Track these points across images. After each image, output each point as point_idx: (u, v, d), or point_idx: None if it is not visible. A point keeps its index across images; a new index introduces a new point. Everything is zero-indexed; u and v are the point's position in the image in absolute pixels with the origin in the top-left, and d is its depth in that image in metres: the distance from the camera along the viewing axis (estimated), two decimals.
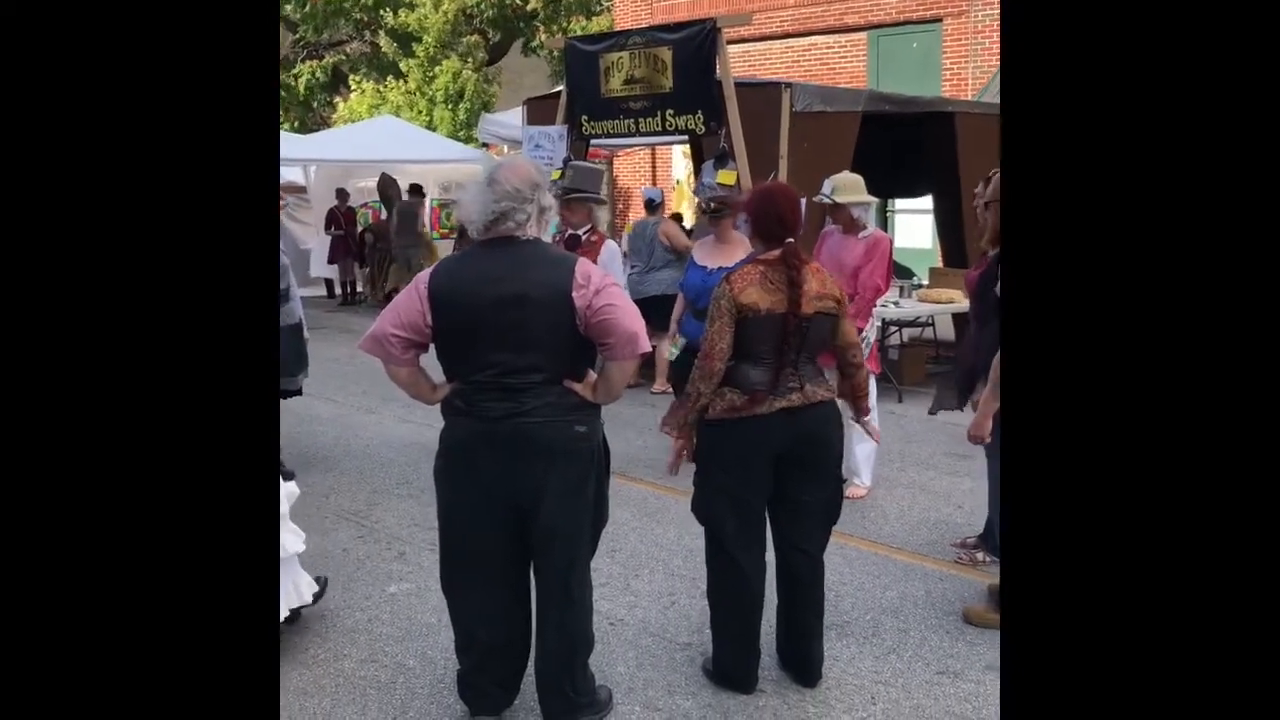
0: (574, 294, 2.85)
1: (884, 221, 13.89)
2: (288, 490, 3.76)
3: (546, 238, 3.05)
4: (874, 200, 5.55)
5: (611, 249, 5.98)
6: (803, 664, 3.49)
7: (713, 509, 3.37)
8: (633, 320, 2.88)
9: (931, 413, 4.54)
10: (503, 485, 2.95)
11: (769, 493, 3.36)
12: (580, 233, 5.94)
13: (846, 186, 5.39)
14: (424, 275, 3.01)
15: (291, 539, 3.71)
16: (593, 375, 3.00)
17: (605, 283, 2.89)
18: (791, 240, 3.30)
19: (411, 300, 2.96)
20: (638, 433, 6.92)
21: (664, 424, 3.44)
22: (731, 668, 3.42)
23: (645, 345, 2.90)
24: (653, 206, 8.74)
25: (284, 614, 3.61)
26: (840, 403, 3.53)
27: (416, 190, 13.54)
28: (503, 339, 2.88)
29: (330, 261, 14.30)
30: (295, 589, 3.75)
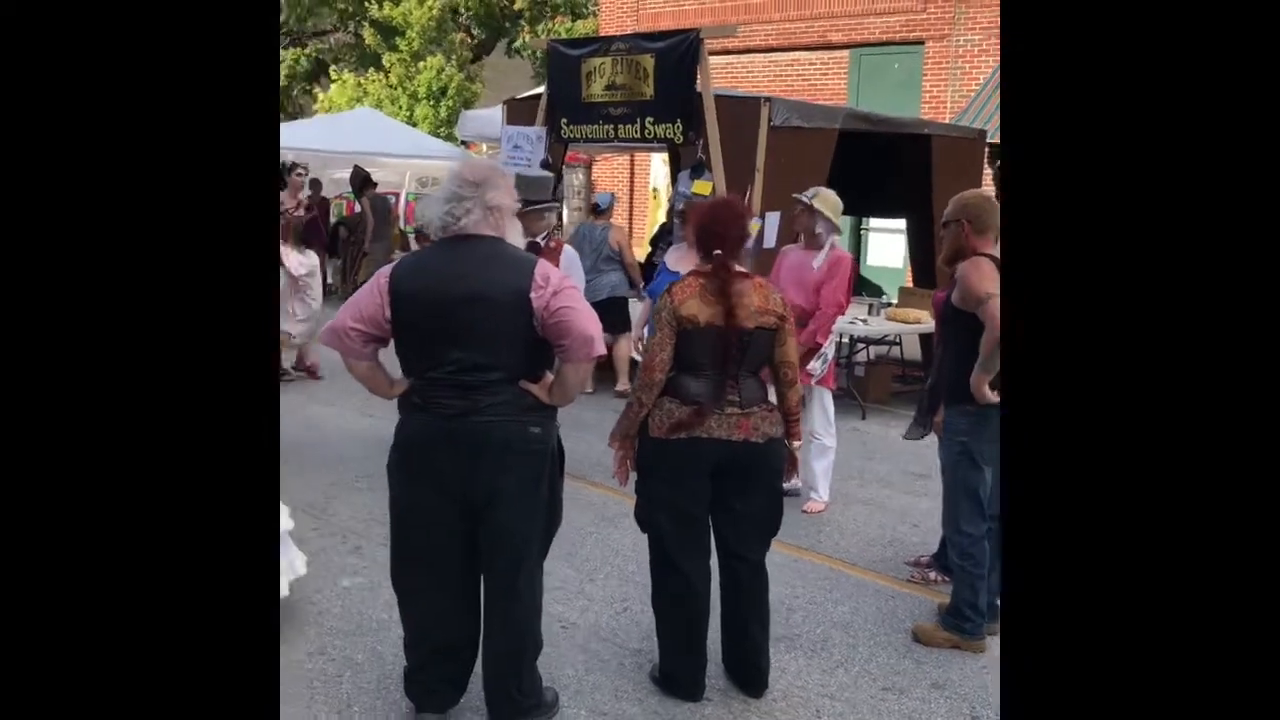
0: (532, 294, 2.86)
1: (856, 240, 13.98)
2: None
3: (514, 239, 3.05)
4: (839, 228, 5.62)
5: (570, 254, 5.90)
6: (749, 673, 3.50)
7: (654, 518, 3.40)
8: (589, 322, 2.89)
9: (906, 437, 4.56)
10: (456, 482, 2.95)
11: (709, 501, 3.38)
12: (540, 239, 5.89)
13: (827, 200, 5.44)
14: (386, 270, 3.01)
15: (282, 518, 3.78)
16: (549, 377, 3.00)
17: (564, 284, 2.90)
18: (719, 252, 3.29)
19: (372, 295, 2.96)
20: (600, 437, 6.88)
21: (610, 437, 3.46)
22: (677, 674, 3.43)
23: (601, 348, 2.92)
24: (598, 211, 8.81)
25: (284, 590, 3.71)
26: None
27: (369, 183, 13.39)
28: (460, 336, 2.88)
29: None
30: (290, 565, 3.82)
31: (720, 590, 3.50)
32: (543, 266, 2.93)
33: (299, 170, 8.61)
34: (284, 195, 6.24)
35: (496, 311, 2.87)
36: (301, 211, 8.55)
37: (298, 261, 8.10)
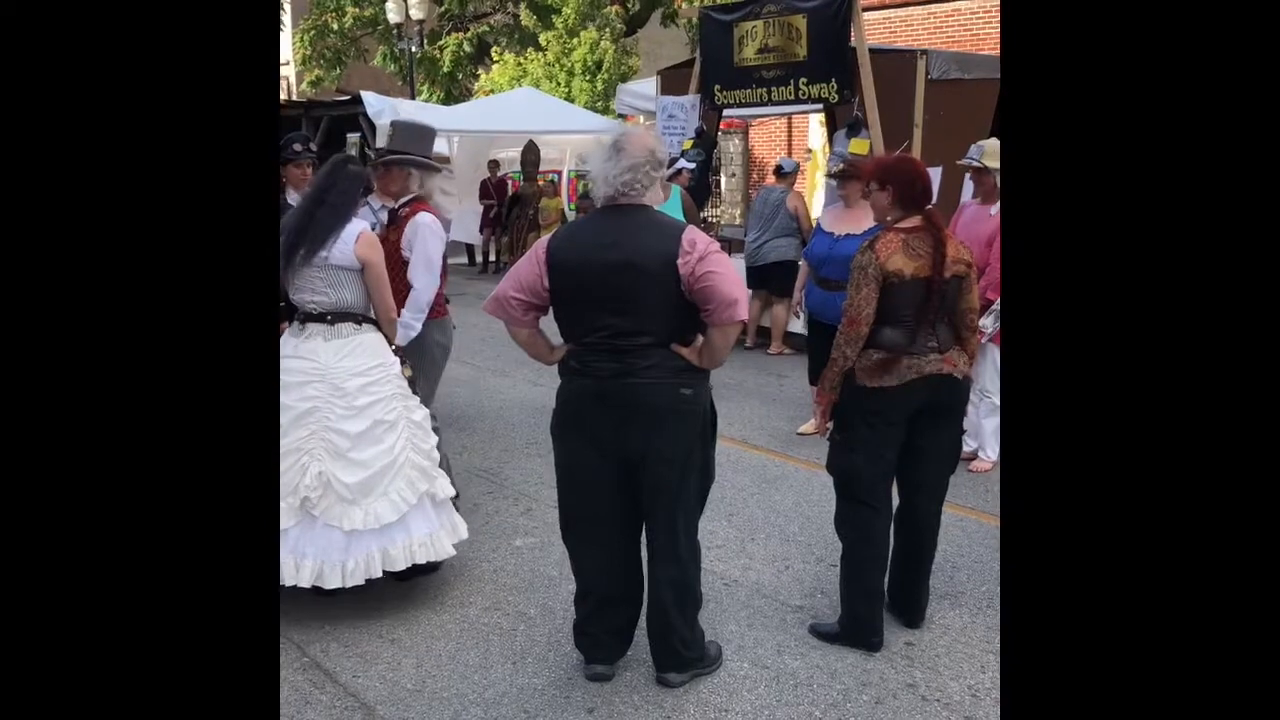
0: (679, 260, 2.94)
1: None
2: (435, 441, 4.03)
3: (656, 203, 3.15)
4: None
5: (421, 222, 4.52)
6: (912, 606, 3.69)
7: (852, 461, 3.48)
8: (732, 287, 2.96)
9: None
10: (611, 442, 3.08)
11: (901, 446, 3.49)
12: (397, 205, 4.64)
13: (996, 153, 5.31)
14: (544, 241, 3.16)
15: (443, 484, 3.98)
16: (700, 340, 3.09)
17: (709, 250, 2.97)
18: (931, 206, 3.46)
19: (531, 265, 3.10)
20: (761, 401, 6.96)
21: (819, 388, 3.61)
22: (865, 619, 3.52)
23: (744, 312, 2.98)
24: (781, 174, 8.67)
25: (449, 550, 3.92)
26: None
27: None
28: (612, 303, 3.00)
29: (480, 231, 14.78)
30: (453, 528, 4.01)
31: (895, 528, 3.63)
32: (690, 233, 3.00)
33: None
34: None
35: (646, 278, 2.97)
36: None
37: None
